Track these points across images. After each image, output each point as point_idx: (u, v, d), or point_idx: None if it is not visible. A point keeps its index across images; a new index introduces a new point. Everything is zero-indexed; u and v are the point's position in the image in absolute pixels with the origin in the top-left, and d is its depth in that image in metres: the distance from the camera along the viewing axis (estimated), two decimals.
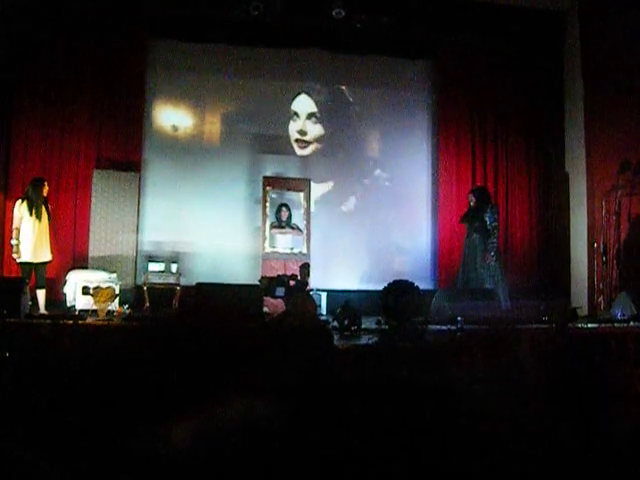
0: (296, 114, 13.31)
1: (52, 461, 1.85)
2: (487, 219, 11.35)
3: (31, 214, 9.98)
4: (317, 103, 13.40)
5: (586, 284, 12.43)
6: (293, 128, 13.30)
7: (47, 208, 10.22)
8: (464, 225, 11.80)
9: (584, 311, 11.57)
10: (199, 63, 12.94)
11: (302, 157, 13.25)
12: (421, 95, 13.82)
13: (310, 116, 13.33)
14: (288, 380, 2.27)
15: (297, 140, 13.27)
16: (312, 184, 12.61)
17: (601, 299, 12.00)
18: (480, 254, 11.29)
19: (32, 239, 9.96)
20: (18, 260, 9.99)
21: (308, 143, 13.30)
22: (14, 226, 10.00)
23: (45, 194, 10.23)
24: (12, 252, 10.04)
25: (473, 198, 11.60)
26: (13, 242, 9.95)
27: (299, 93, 13.32)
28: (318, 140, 13.34)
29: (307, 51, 13.16)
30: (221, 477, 1.75)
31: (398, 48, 13.41)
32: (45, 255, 10.13)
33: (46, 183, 10.33)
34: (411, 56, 13.66)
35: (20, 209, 10.00)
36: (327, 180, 13.27)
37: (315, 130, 13.35)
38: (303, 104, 13.35)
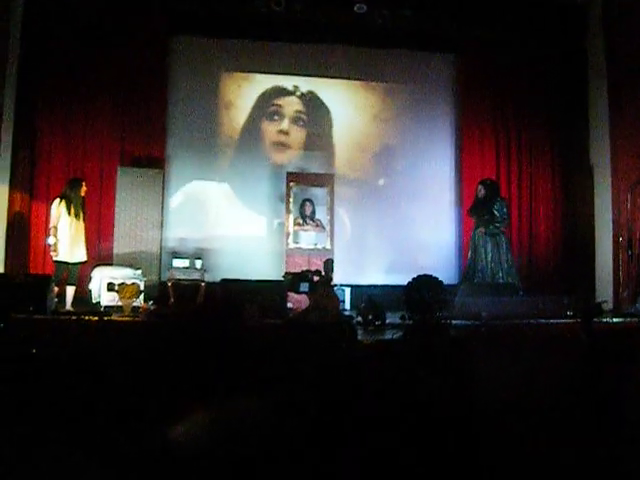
0: (317, 116, 13.33)
1: (76, 454, 1.87)
2: (496, 212, 11.32)
3: (69, 213, 10.07)
4: (340, 103, 13.40)
5: (611, 278, 12.33)
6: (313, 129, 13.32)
7: (84, 209, 10.31)
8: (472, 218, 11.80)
9: (609, 305, 11.47)
10: (221, 59, 12.97)
11: (328, 153, 13.21)
12: (444, 89, 13.76)
13: (335, 119, 13.35)
14: (311, 374, 2.28)
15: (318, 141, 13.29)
16: (335, 179, 12.60)
17: (626, 293, 11.90)
18: (491, 247, 11.27)
19: (69, 238, 10.05)
20: (55, 258, 10.07)
21: (331, 144, 13.32)
22: (52, 224, 10.08)
23: (83, 194, 10.32)
24: (50, 250, 10.12)
25: (482, 189, 11.57)
26: (51, 240, 10.02)
27: (320, 95, 13.35)
28: (341, 141, 13.33)
29: (329, 47, 13.14)
30: (245, 466, 1.76)
31: (420, 42, 13.38)
32: (81, 255, 10.21)
33: (84, 183, 10.42)
34: (433, 50, 13.62)
35: (59, 208, 10.08)
36: (351, 175, 13.24)
37: (339, 132, 13.37)
38: (327, 107, 13.37)
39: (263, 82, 13.18)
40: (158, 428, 1.91)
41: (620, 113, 12.45)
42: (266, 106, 13.16)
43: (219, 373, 2.27)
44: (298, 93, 13.24)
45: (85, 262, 10.39)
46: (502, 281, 11.16)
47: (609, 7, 12.74)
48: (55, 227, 10.03)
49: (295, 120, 13.21)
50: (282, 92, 13.21)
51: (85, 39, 11.99)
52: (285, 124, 13.16)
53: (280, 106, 13.19)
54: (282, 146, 13.09)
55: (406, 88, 13.59)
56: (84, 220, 10.32)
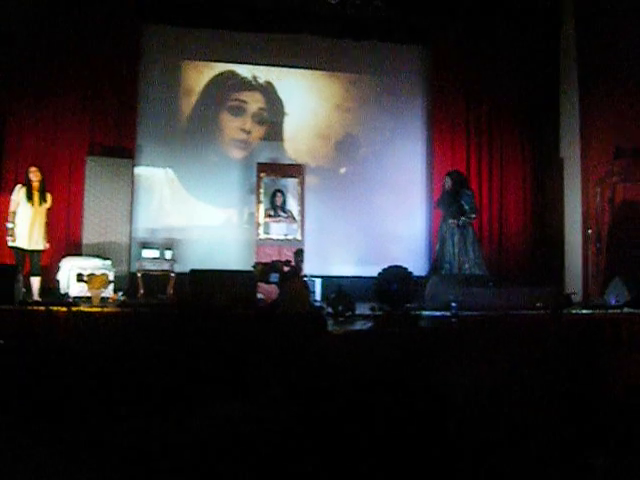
0: (289, 108, 13.30)
1: (42, 446, 1.86)
2: (464, 204, 11.40)
3: (29, 200, 9.97)
4: (311, 95, 13.37)
5: (580, 270, 12.45)
6: (288, 120, 13.29)
7: (44, 196, 10.18)
8: (440, 210, 11.87)
9: (578, 297, 11.58)
10: (192, 48, 12.88)
11: (294, 143, 13.20)
12: (415, 81, 13.77)
13: (306, 110, 13.33)
14: (282, 365, 2.28)
15: (290, 132, 13.26)
16: (306, 170, 12.59)
17: (595, 285, 12.02)
18: (458, 238, 11.34)
19: (27, 225, 9.94)
20: (10, 244, 9.95)
21: (302, 134, 13.29)
22: (10, 210, 9.98)
23: (34, 180, 10.10)
24: (6, 235, 10.00)
25: (449, 181, 11.64)
26: (9, 225, 9.92)
27: (293, 87, 13.31)
28: (313, 132, 13.33)
29: (298, 36, 13.09)
30: (213, 462, 1.76)
31: (392, 34, 13.38)
32: (39, 243, 10.10)
33: (33, 168, 10.19)
34: (404, 41, 13.61)
35: (18, 194, 9.99)
36: (321, 166, 13.24)
37: (310, 124, 13.35)
38: (298, 98, 13.33)
39: (234, 72, 13.12)
40: (127, 423, 1.90)
41: (590, 108, 12.56)
42: (232, 97, 13.10)
43: (190, 365, 2.26)
44: (261, 83, 13.19)
45: (44, 250, 10.25)
46: (469, 272, 11.23)
47: (581, 2, 12.83)
48: (13, 212, 9.93)
49: (259, 111, 13.17)
50: (247, 83, 13.16)
51: (55, 28, 11.86)
52: (249, 115, 13.10)
53: (244, 98, 13.12)
54: (247, 137, 13.03)
55: (377, 79, 13.59)
56: (44, 208, 10.16)
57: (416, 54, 13.78)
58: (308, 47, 13.22)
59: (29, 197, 9.98)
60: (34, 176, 10.16)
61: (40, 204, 10.08)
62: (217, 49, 12.98)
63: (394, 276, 10.03)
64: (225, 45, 12.96)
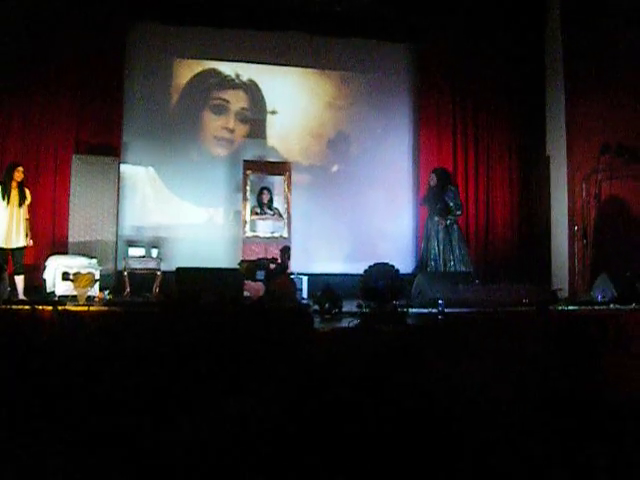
0: (275, 108, 13.28)
1: (28, 446, 1.85)
2: (449, 200, 11.45)
3: (3, 199, 9.90)
4: (299, 92, 13.35)
5: (566, 266, 12.50)
6: (273, 119, 13.26)
7: (23, 193, 10.10)
8: (425, 207, 11.92)
9: (564, 293, 11.61)
10: (178, 46, 12.83)
11: (282, 141, 13.18)
12: (402, 78, 13.78)
13: (292, 109, 13.30)
14: (268, 363, 2.27)
15: (275, 131, 13.24)
16: (293, 167, 12.58)
17: (581, 281, 12.06)
18: (443, 235, 11.38)
19: (5, 224, 9.87)
20: None
21: (288, 133, 13.27)
22: None
23: (19, 179, 10.08)
24: None
25: (434, 178, 11.72)
26: None
27: (279, 85, 13.28)
28: (299, 131, 13.31)
29: (287, 34, 13.07)
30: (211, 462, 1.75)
31: (379, 31, 13.35)
32: (20, 241, 10.02)
33: (21, 168, 10.16)
34: (392, 38, 13.60)
35: None
36: (308, 164, 13.23)
37: (296, 122, 13.33)
38: (286, 97, 13.31)
39: (220, 70, 13.10)
40: (115, 422, 1.89)
41: (576, 105, 12.61)
42: (218, 94, 13.07)
43: (177, 364, 2.25)
44: (245, 81, 13.17)
45: (25, 247, 10.18)
46: (454, 270, 11.27)
47: (567, 0, 12.87)
48: None
49: (244, 109, 13.14)
50: (231, 81, 13.14)
51: (41, 25, 11.81)
52: (233, 114, 13.07)
53: (227, 97, 13.09)
54: (238, 135, 13.02)
55: (364, 77, 13.60)
56: (25, 205, 10.09)
57: (404, 52, 13.78)
58: (296, 45, 13.20)
59: (3, 196, 9.91)
60: (19, 176, 10.10)
61: (20, 203, 10.01)
62: (204, 47, 12.92)
63: (381, 273, 10.04)
64: (212, 43, 12.92)
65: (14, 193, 10.00)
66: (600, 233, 11.87)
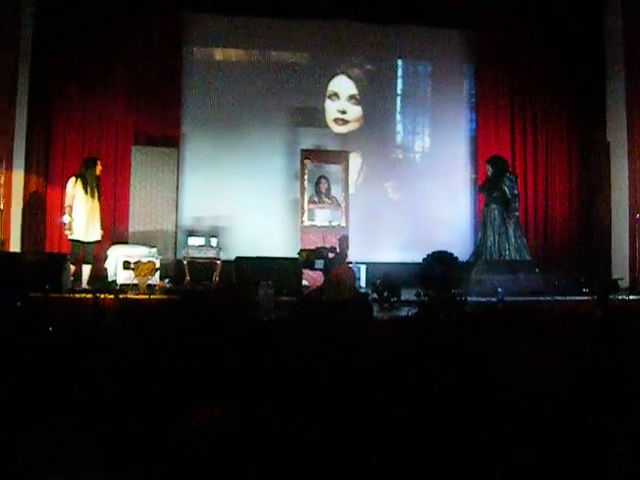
0: (335, 95, 13.24)
1: (83, 435, 1.87)
2: (506, 189, 11.33)
3: (85, 192, 10.08)
4: (355, 81, 13.32)
5: (627, 255, 12.24)
6: (332, 107, 13.23)
7: (99, 188, 10.31)
8: (483, 195, 11.83)
9: (625, 283, 11.40)
10: (235, 36, 12.90)
11: (339, 129, 13.17)
12: (459, 66, 13.69)
13: (351, 98, 13.27)
14: (327, 351, 2.27)
15: (336, 119, 13.19)
16: (350, 156, 12.56)
17: None
18: (499, 223, 11.29)
19: (85, 218, 10.07)
20: (70, 237, 10.10)
21: (347, 122, 13.23)
22: (67, 204, 10.11)
23: (98, 173, 10.32)
24: (64, 229, 10.15)
25: (489, 168, 11.61)
26: (66, 219, 10.05)
27: (337, 74, 13.24)
28: (358, 119, 13.27)
29: (342, 23, 13.04)
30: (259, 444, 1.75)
31: (436, 18, 13.23)
32: (96, 234, 10.23)
33: (99, 162, 10.41)
34: (449, 26, 13.48)
35: (74, 187, 10.09)
36: (365, 152, 13.21)
37: (355, 110, 13.28)
38: (343, 86, 13.29)
39: (277, 60, 13.16)
40: (175, 417, 1.91)
41: (637, 90, 12.34)
42: (276, 83, 13.01)
43: (234, 351, 2.26)
44: (304, 69, 13.19)
45: (100, 241, 10.40)
46: (509, 258, 11.15)
47: None
48: (70, 206, 10.05)
49: (302, 98, 13.12)
50: (289, 69, 13.16)
51: (98, 19, 11.96)
52: (291, 102, 13.06)
53: (284, 87, 13.08)
54: (296, 124, 13.03)
55: (421, 64, 13.56)
56: (99, 199, 10.31)
57: (461, 39, 13.65)
58: (351, 34, 13.15)
59: (85, 190, 10.09)
60: (100, 169, 10.33)
61: (95, 196, 10.19)
62: (262, 37, 12.92)
63: (439, 261, 9.99)
64: (269, 33, 12.92)
65: (95, 188, 10.20)
66: None
